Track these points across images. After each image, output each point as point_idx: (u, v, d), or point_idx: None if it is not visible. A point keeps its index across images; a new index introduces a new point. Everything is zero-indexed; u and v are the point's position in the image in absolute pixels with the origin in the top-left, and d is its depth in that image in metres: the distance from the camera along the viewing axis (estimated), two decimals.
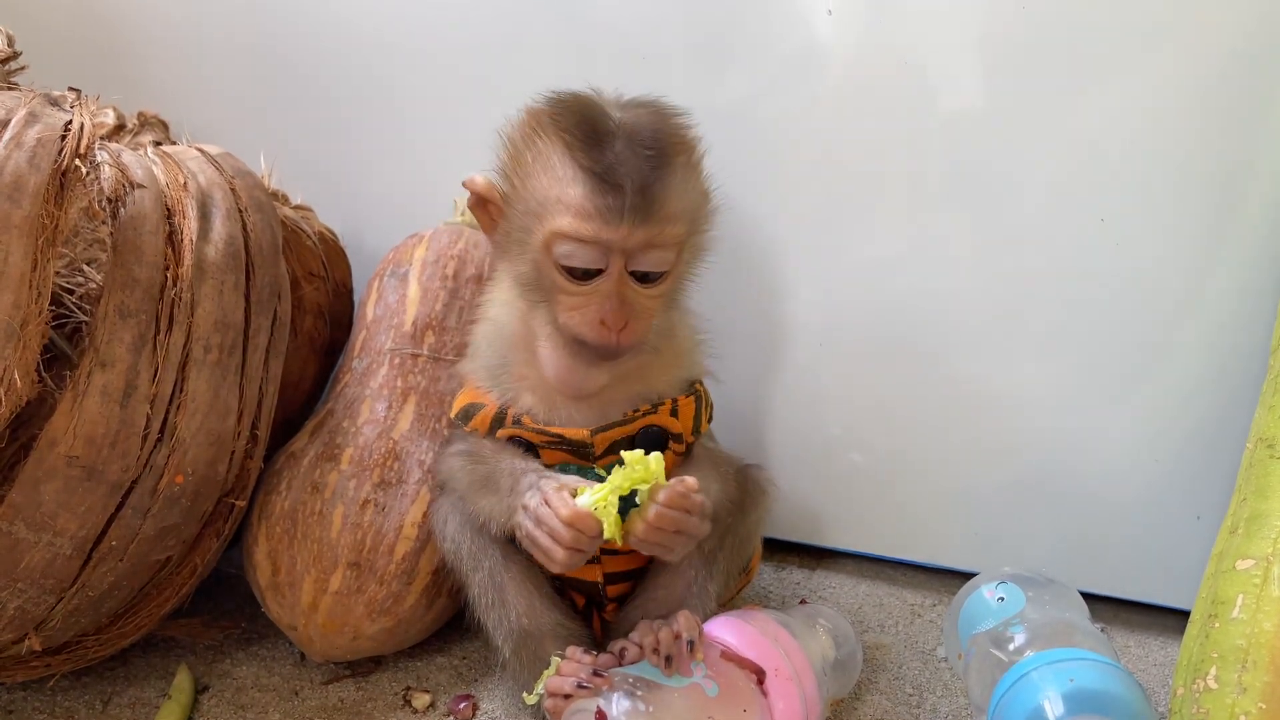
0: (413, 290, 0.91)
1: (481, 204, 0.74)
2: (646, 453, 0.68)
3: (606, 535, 0.67)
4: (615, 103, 0.71)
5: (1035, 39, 0.81)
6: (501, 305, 0.79)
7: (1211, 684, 0.59)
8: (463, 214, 0.97)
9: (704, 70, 0.91)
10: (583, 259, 0.68)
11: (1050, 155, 0.84)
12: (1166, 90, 0.79)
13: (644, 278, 0.70)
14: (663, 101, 0.72)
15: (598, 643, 0.75)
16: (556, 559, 0.68)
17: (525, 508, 0.70)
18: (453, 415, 0.80)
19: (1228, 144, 0.79)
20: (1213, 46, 0.78)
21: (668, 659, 0.67)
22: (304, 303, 0.93)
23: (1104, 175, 0.82)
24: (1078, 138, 0.82)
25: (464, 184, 0.74)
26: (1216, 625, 0.61)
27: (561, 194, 0.67)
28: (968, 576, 0.83)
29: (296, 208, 0.97)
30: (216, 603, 0.91)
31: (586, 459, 0.75)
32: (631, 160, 0.66)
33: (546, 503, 0.68)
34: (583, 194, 0.67)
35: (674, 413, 0.77)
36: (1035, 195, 0.85)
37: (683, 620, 0.69)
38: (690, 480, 0.68)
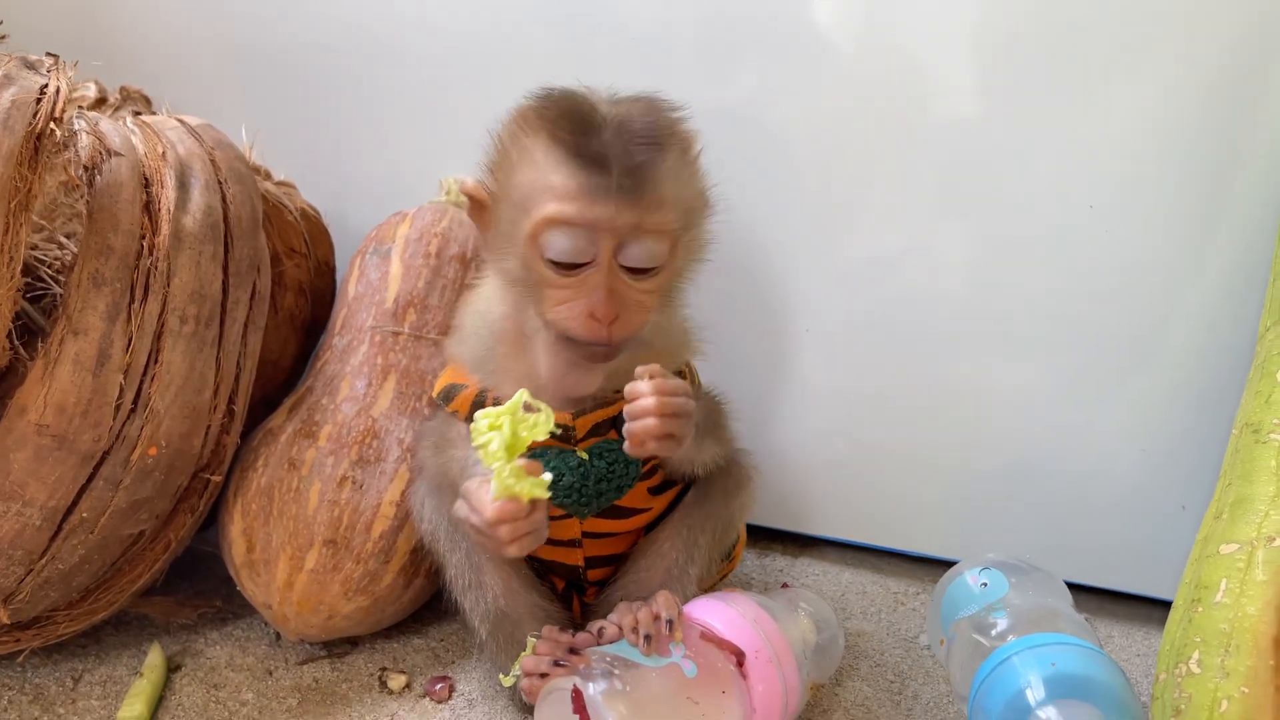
0: (395, 268, 0.90)
1: (477, 207, 0.72)
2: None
3: (525, 497, 0.64)
4: (607, 98, 0.68)
5: (1029, 35, 0.81)
6: (490, 298, 0.77)
7: (1194, 668, 0.58)
8: (447, 193, 0.96)
9: (702, 64, 0.90)
10: (569, 249, 0.64)
11: (1042, 151, 0.83)
12: (1158, 82, 0.79)
13: (635, 272, 0.66)
14: (658, 96, 0.69)
15: (577, 625, 0.74)
16: (511, 553, 0.65)
17: (463, 521, 0.67)
18: (435, 395, 0.79)
19: (1217, 135, 0.79)
20: (1205, 39, 0.77)
21: (646, 638, 0.66)
22: (285, 279, 0.92)
23: (1094, 167, 0.82)
24: (1070, 133, 0.82)
25: (461, 190, 0.72)
26: (1200, 610, 0.60)
27: (547, 181, 0.64)
28: (951, 565, 0.82)
29: (279, 184, 0.96)
30: (191, 581, 0.90)
31: (568, 442, 0.74)
32: (619, 144, 0.64)
33: (474, 510, 0.65)
34: (567, 174, 0.64)
35: None
36: (1025, 188, 0.84)
37: (662, 600, 0.68)
38: (654, 367, 0.67)
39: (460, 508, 0.67)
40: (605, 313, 0.65)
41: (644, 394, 0.66)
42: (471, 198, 0.71)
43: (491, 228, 0.71)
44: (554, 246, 0.65)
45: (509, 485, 0.63)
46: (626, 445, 0.67)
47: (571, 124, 0.65)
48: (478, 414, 0.63)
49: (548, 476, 0.64)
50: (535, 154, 0.65)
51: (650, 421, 0.66)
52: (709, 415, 0.76)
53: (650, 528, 0.78)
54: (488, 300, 0.77)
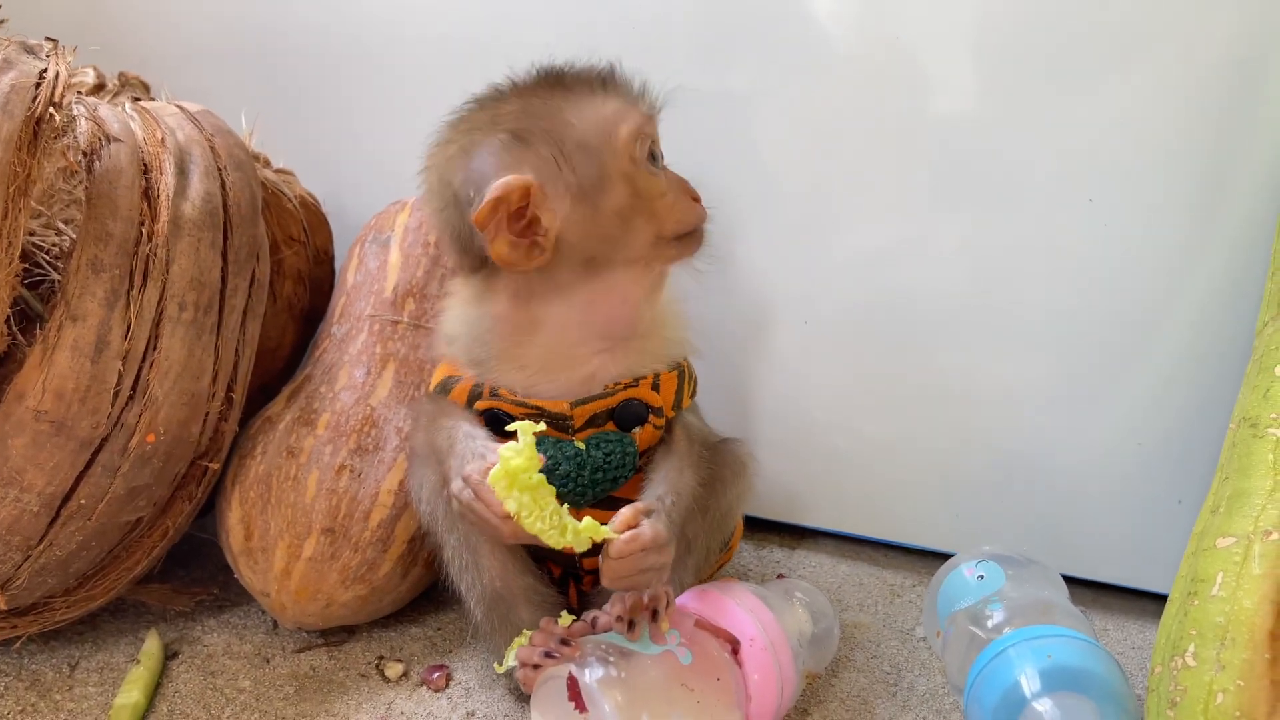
0: (394, 256, 0.90)
1: (501, 214, 0.67)
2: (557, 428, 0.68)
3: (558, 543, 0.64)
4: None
5: (1026, 27, 0.81)
6: (474, 300, 0.76)
7: (1190, 661, 0.58)
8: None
9: (699, 56, 0.90)
10: (655, 146, 0.72)
11: (1039, 144, 0.83)
12: (1156, 77, 0.79)
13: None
14: None
15: (573, 609, 0.74)
16: (506, 537, 0.66)
17: (458, 499, 0.68)
18: (431, 388, 0.79)
19: (1216, 129, 0.78)
20: (1204, 34, 0.77)
21: (631, 624, 0.66)
22: (284, 267, 0.92)
23: (1092, 160, 0.82)
24: (1067, 126, 0.81)
25: (482, 220, 0.67)
26: (1196, 603, 0.60)
27: (609, 110, 0.70)
28: (948, 558, 0.82)
29: (278, 171, 0.96)
30: (188, 568, 0.90)
31: (565, 431, 0.74)
32: (615, 70, 0.73)
33: (479, 498, 0.66)
34: (618, 97, 0.71)
35: (655, 387, 0.76)
36: (1023, 181, 0.84)
37: (652, 590, 0.69)
38: (633, 516, 0.66)
39: (464, 493, 0.67)
40: (694, 190, 0.74)
41: (619, 544, 0.65)
42: (520, 195, 0.67)
43: (552, 202, 0.68)
44: (647, 150, 0.71)
45: (543, 531, 0.63)
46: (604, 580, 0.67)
47: (582, 66, 0.72)
48: (491, 477, 0.63)
49: (573, 523, 0.64)
50: (583, 97, 0.71)
51: (620, 575, 0.66)
52: (695, 451, 0.77)
53: None
54: (469, 302, 0.77)
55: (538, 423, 0.64)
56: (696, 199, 0.74)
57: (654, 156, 0.72)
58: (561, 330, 0.73)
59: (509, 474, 0.62)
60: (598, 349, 0.74)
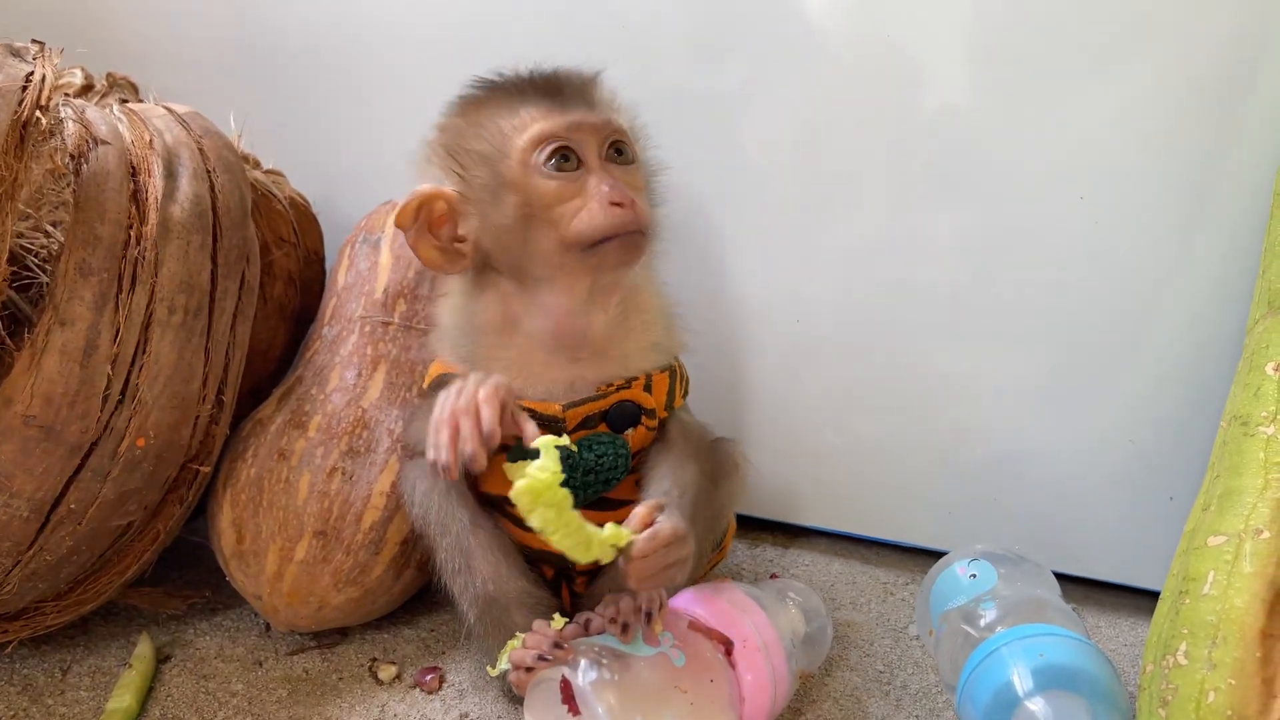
0: (385, 257, 0.89)
1: (424, 229, 0.73)
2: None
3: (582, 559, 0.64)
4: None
5: (1019, 24, 0.80)
6: (465, 295, 0.77)
7: (1181, 660, 0.58)
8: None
9: (690, 54, 0.90)
10: (562, 151, 0.69)
11: (1032, 142, 0.83)
12: (1148, 74, 0.79)
13: (619, 154, 0.72)
14: None
15: (566, 613, 0.74)
16: (443, 439, 0.66)
17: (441, 414, 0.67)
18: (425, 386, 0.79)
19: (1207, 127, 0.78)
20: (1197, 31, 0.77)
21: (624, 627, 0.66)
22: (274, 269, 0.92)
23: (1084, 158, 0.82)
24: (1060, 124, 0.81)
25: (398, 221, 0.72)
26: (1187, 601, 0.60)
27: (517, 116, 0.70)
28: (941, 556, 0.83)
29: (268, 172, 0.95)
30: (180, 571, 0.90)
31: (558, 434, 0.74)
32: (560, 74, 0.72)
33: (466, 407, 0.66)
34: (534, 102, 0.70)
35: (647, 388, 0.76)
36: (1016, 179, 0.84)
37: (643, 593, 0.68)
38: (648, 515, 0.66)
39: (448, 405, 0.67)
40: (622, 194, 0.69)
41: (641, 542, 0.65)
42: (423, 203, 0.72)
43: (467, 214, 0.73)
44: (549, 156, 0.69)
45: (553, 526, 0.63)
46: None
47: (513, 80, 0.72)
48: (515, 492, 0.62)
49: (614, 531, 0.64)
50: (495, 108, 0.72)
51: (646, 575, 0.66)
52: (699, 453, 0.77)
53: None
54: (463, 297, 0.77)
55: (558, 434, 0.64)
56: (621, 204, 0.69)
57: (565, 159, 0.69)
58: (535, 335, 0.74)
59: (534, 490, 0.62)
60: (573, 356, 0.74)
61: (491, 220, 0.72)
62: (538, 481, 0.62)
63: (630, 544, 0.65)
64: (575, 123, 0.70)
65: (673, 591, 0.74)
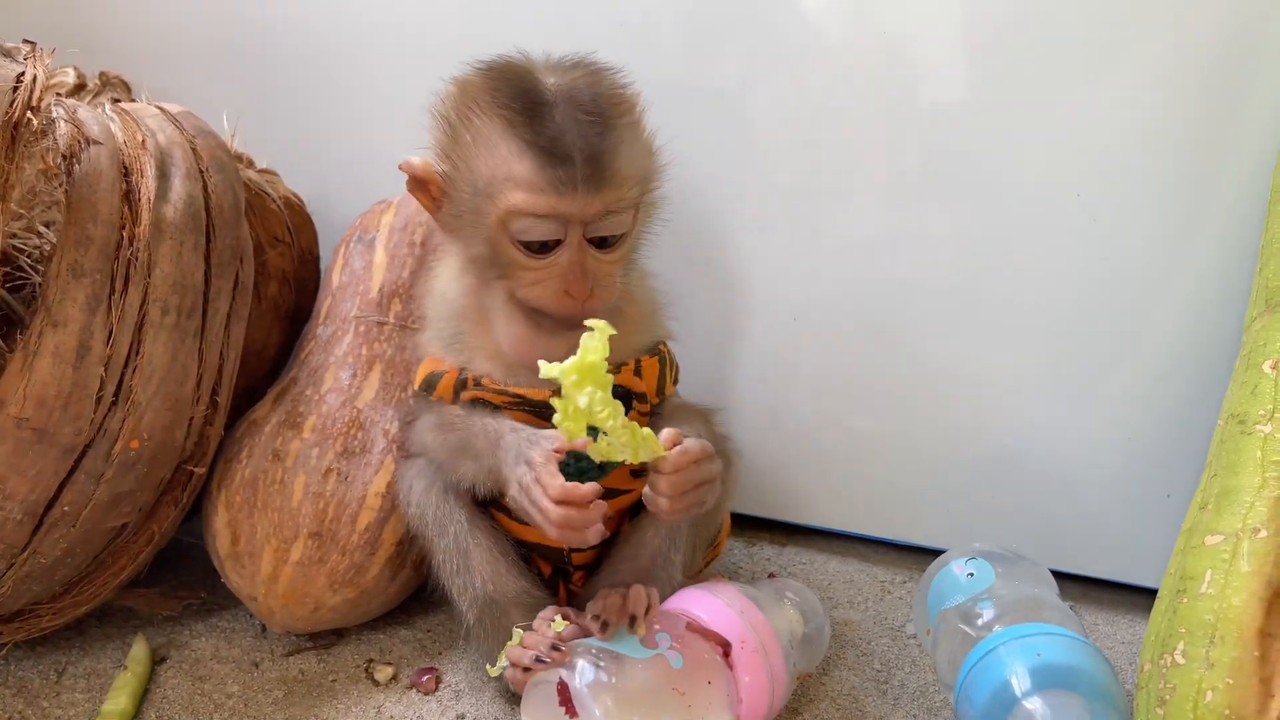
0: (379, 257, 0.89)
1: (420, 185, 0.72)
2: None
3: (614, 459, 0.63)
4: (547, 66, 0.69)
5: (1017, 20, 0.80)
6: (449, 279, 0.78)
7: (1179, 659, 0.58)
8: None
9: (691, 46, 0.90)
10: (541, 232, 0.67)
11: (1029, 139, 0.83)
12: (1146, 72, 0.78)
13: (602, 243, 0.69)
14: (596, 60, 0.71)
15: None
16: (553, 535, 0.65)
17: (520, 484, 0.66)
18: (417, 386, 0.78)
19: (1205, 124, 0.78)
20: (1194, 29, 0.77)
21: (604, 625, 0.66)
22: (268, 268, 0.91)
23: (1081, 156, 0.82)
24: (1057, 121, 0.81)
25: (400, 167, 0.72)
26: (1185, 601, 0.60)
27: (510, 172, 0.66)
28: (938, 554, 0.82)
29: (262, 172, 0.95)
30: (175, 573, 0.90)
31: (548, 420, 0.73)
32: (575, 128, 0.65)
33: (537, 481, 0.65)
34: (532, 168, 0.65)
35: (637, 372, 0.76)
36: (1013, 176, 0.84)
37: (632, 594, 0.69)
38: (675, 434, 0.65)
39: (523, 472, 0.66)
40: (581, 289, 0.69)
41: (673, 457, 0.65)
42: (419, 178, 0.72)
43: (448, 209, 0.72)
44: (524, 232, 0.68)
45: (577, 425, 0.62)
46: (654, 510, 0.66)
47: (523, 105, 0.66)
48: (563, 369, 0.61)
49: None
50: (491, 139, 0.67)
51: (679, 490, 0.65)
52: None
53: (634, 514, 0.78)
54: (446, 281, 0.78)
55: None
56: (576, 295, 0.69)
57: (545, 246, 0.68)
58: (505, 325, 0.74)
59: (584, 368, 0.60)
60: (547, 348, 0.72)
61: (462, 231, 0.72)
62: (589, 360, 0.60)
63: (661, 459, 0.64)
64: (561, 212, 0.66)
65: (668, 593, 0.73)
